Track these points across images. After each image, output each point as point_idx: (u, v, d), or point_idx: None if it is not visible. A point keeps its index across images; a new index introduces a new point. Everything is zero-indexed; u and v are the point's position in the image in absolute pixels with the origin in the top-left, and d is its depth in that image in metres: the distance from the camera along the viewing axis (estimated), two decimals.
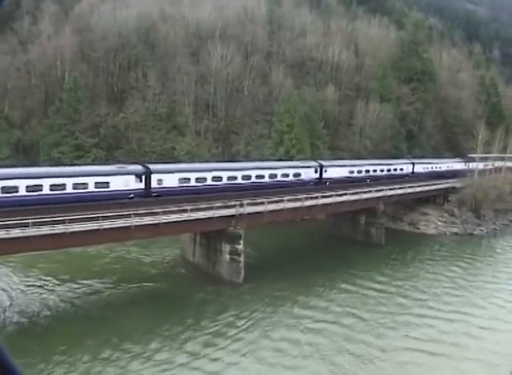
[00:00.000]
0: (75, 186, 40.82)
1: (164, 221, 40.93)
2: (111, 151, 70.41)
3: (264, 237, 59.25)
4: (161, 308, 38.75)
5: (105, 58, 77.45)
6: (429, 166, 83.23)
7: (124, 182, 44.01)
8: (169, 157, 68.21)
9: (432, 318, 40.53)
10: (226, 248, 47.00)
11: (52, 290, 42.03)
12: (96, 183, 42.14)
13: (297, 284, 46.37)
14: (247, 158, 70.21)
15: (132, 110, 73.82)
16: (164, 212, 40.99)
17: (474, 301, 45.55)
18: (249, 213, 47.46)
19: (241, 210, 46.72)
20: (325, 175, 63.59)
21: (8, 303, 39.01)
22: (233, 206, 46.37)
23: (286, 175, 59.28)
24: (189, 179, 49.71)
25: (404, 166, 77.27)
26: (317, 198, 54.78)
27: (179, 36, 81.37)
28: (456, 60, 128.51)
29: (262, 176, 56.05)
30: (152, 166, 48.06)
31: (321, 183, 62.72)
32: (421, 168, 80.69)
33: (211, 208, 44.64)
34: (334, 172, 64.86)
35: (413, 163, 78.95)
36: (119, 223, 38.81)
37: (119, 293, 42.97)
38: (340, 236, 65.83)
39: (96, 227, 37.22)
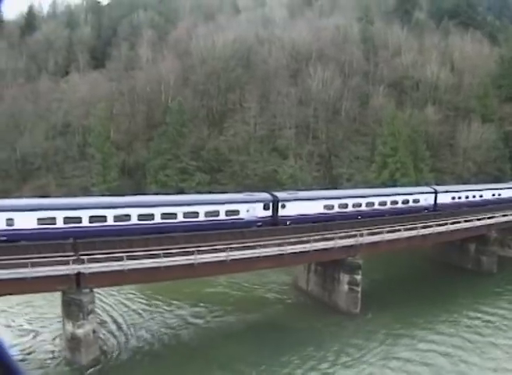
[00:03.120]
0: (207, 214, 41.44)
1: (289, 251, 40.59)
2: (213, 174, 70.97)
3: (370, 264, 57.60)
4: (275, 339, 37.92)
5: (206, 81, 78.58)
6: None
7: (253, 210, 43.88)
8: (272, 180, 68.09)
9: None
10: (345, 277, 45.76)
11: (163, 314, 42.94)
12: (227, 211, 42.49)
13: (412, 314, 44.65)
14: (350, 182, 69.18)
15: (232, 132, 74.35)
16: (289, 243, 40.65)
17: None
18: (367, 243, 46.35)
19: (361, 240, 45.58)
20: (438, 201, 60.29)
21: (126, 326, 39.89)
22: (354, 236, 45.34)
23: (407, 201, 57.49)
24: (314, 207, 49.17)
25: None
26: (431, 226, 52.88)
27: (276, 58, 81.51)
28: None
29: (384, 203, 54.45)
30: (279, 194, 47.92)
31: (435, 210, 59.29)
32: None
33: (331, 238, 43.86)
34: (448, 197, 61.67)
35: None
36: (247, 253, 38.73)
37: (224, 321, 43.05)
38: (447, 263, 62.85)
39: (223, 258, 37.33)
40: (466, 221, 57.19)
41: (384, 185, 66.70)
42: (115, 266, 33.13)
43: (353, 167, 75.83)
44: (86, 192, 65.70)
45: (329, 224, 47.77)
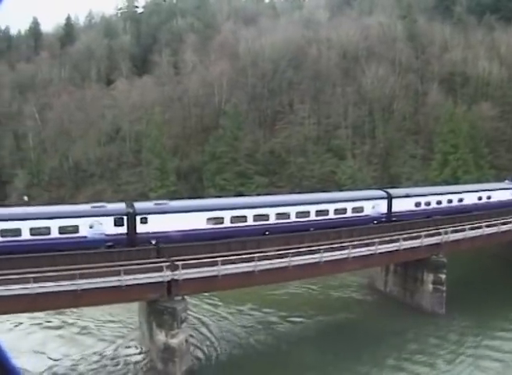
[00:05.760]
0: (336, 212, 41.98)
1: (379, 251, 39.41)
2: (270, 177, 70.10)
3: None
4: (357, 341, 36.70)
5: (257, 83, 77.95)
6: None
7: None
8: (330, 181, 66.99)
9: None
10: (429, 277, 44.33)
11: (239, 320, 42.02)
12: (353, 208, 43.08)
13: (498, 315, 43.09)
14: (409, 181, 67.64)
15: (286, 134, 73.49)
16: (380, 242, 39.45)
17: None
18: (451, 241, 44.90)
19: (445, 237, 44.15)
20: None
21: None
22: (438, 234, 43.95)
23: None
24: (429, 202, 48.77)
25: None
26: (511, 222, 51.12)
27: (327, 58, 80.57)
28: None
29: (480, 198, 53.32)
30: (392, 191, 47.27)
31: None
32: None
33: (418, 237, 42.49)
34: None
35: None
36: (338, 254, 37.64)
37: (303, 325, 41.83)
38: None
39: (317, 260, 36.26)
40: None
41: (445, 183, 64.82)
42: (207, 271, 31.79)
43: (409, 166, 74.31)
44: (144, 198, 65.28)
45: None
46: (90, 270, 28.83)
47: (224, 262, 32.15)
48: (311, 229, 40.99)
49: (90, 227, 33.62)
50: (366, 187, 63.14)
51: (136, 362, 34.02)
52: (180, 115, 77.87)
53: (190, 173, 72.71)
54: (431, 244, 43.45)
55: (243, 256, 33.45)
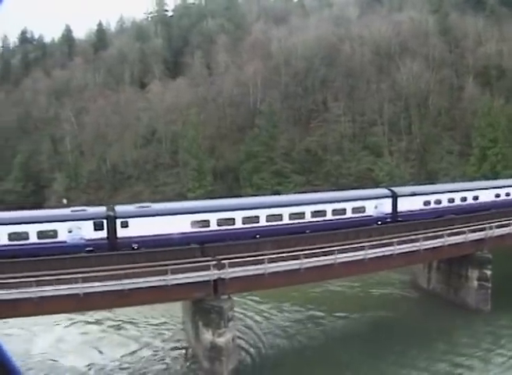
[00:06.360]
0: (334, 212, 39.78)
1: (424, 247, 39.05)
2: (306, 175, 70.13)
3: None
4: (402, 338, 36.52)
5: (291, 82, 78.10)
6: None
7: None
8: (367, 179, 66.66)
9: None
10: (474, 273, 43.67)
11: (281, 318, 41.79)
12: (353, 208, 40.64)
13: None
14: (448, 177, 66.85)
15: (321, 132, 73.44)
16: (424, 238, 39.08)
17: None
18: (496, 236, 44.19)
19: (490, 233, 43.52)
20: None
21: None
22: (483, 229, 43.29)
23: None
24: (439, 201, 46.38)
25: None
26: None
27: (361, 55, 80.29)
28: None
29: (498, 195, 50.40)
30: (397, 189, 45.28)
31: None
32: None
33: (462, 232, 41.93)
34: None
35: None
36: (383, 251, 37.41)
37: (347, 322, 41.40)
38: None
39: (362, 257, 36.05)
40: None
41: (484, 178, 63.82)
42: (254, 269, 31.74)
43: (446, 162, 73.48)
44: (181, 198, 66.00)
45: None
46: (135, 270, 29.09)
47: (270, 260, 32.14)
48: (307, 231, 38.54)
49: (69, 232, 32.56)
50: (403, 183, 62.77)
51: (181, 361, 34.29)
52: (215, 115, 78.54)
53: (226, 173, 73.27)
54: (475, 240, 42.93)
55: (289, 254, 33.39)
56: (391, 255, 37.81)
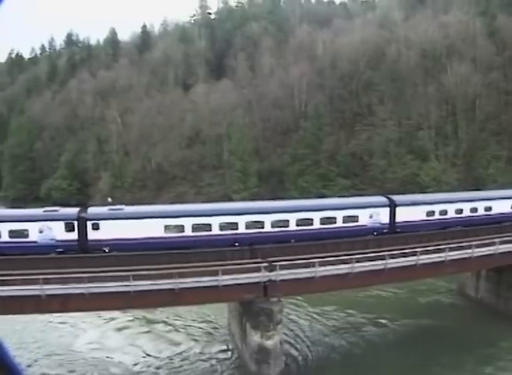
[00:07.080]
0: (322, 221, 37.11)
1: (475, 255, 38.21)
2: (352, 179, 69.80)
3: None
4: (448, 348, 34.93)
5: (336, 85, 77.90)
6: None
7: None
8: (413, 183, 65.86)
9: None
10: None
11: (322, 323, 40.92)
12: (344, 217, 37.91)
13: None
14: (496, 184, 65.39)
15: (366, 136, 72.98)
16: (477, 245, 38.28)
17: None
18: None
19: None
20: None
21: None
22: None
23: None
24: (445, 211, 42.31)
25: None
26: None
27: (407, 57, 79.46)
28: None
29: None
30: (396, 198, 41.52)
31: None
32: None
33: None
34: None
35: None
36: (435, 257, 36.95)
37: (391, 330, 40.05)
38: None
39: (413, 263, 35.53)
40: None
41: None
42: (305, 272, 31.17)
43: (493, 167, 72.03)
44: (226, 199, 66.47)
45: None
46: (187, 269, 29.15)
47: (321, 264, 31.69)
48: (292, 240, 36.16)
49: (40, 232, 32.00)
50: (450, 189, 61.75)
51: (227, 362, 34.18)
52: (259, 117, 78.90)
53: (271, 175, 73.50)
54: None
55: (339, 258, 33.02)
56: (443, 261, 37.33)
